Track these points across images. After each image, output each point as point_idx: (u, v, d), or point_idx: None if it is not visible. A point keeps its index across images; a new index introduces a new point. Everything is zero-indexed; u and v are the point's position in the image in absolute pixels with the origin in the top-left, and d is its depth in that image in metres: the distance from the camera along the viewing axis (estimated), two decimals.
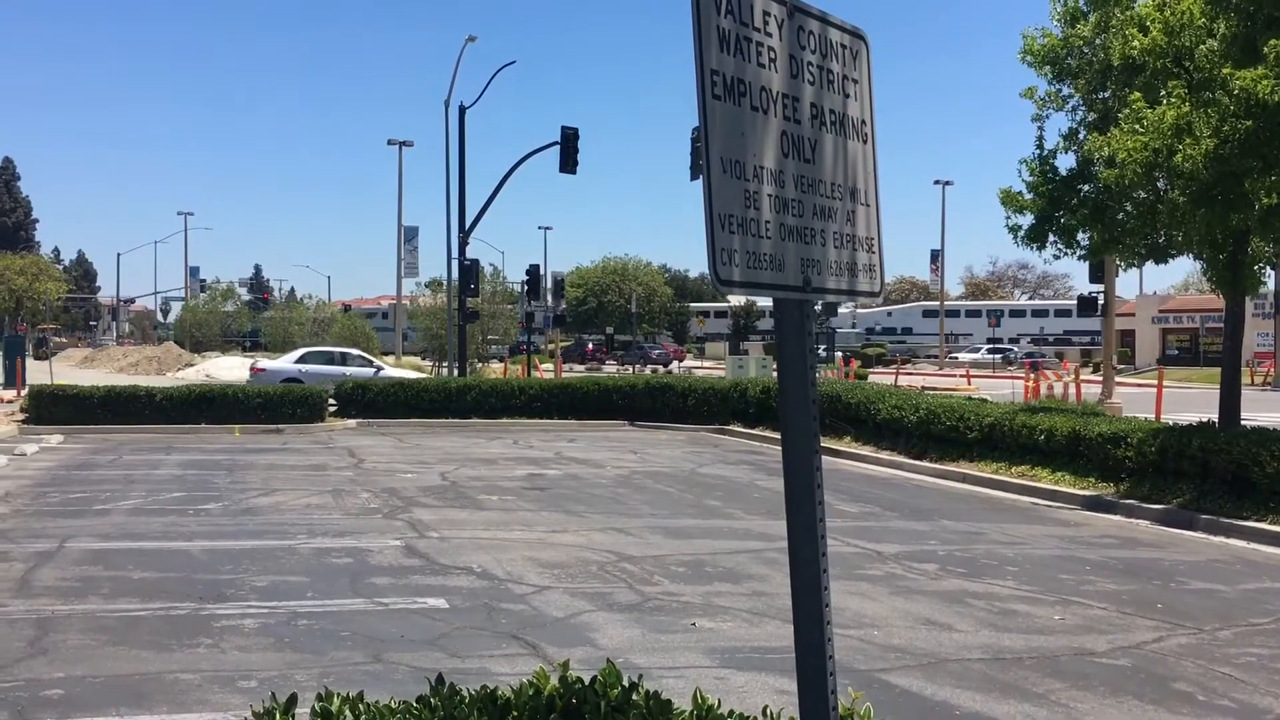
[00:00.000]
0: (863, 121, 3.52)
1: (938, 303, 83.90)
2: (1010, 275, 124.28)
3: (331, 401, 27.59)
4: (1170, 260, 16.78)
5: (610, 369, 66.26)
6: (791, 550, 3.15)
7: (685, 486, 16.84)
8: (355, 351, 37.28)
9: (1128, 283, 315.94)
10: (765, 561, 10.93)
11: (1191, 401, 34.75)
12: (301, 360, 34.79)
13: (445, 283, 43.30)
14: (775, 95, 3.11)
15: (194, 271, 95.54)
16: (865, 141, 3.52)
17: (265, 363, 35.88)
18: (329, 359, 35.06)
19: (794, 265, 3.15)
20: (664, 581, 9.97)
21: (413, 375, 34.16)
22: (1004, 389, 37.96)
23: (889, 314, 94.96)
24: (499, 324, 51.72)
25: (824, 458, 20.52)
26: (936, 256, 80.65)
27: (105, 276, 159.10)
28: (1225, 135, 13.77)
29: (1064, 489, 15.91)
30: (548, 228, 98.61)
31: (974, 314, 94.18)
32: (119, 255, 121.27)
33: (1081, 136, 16.94)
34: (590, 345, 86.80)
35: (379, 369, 34.29)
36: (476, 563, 10.68)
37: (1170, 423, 17.08)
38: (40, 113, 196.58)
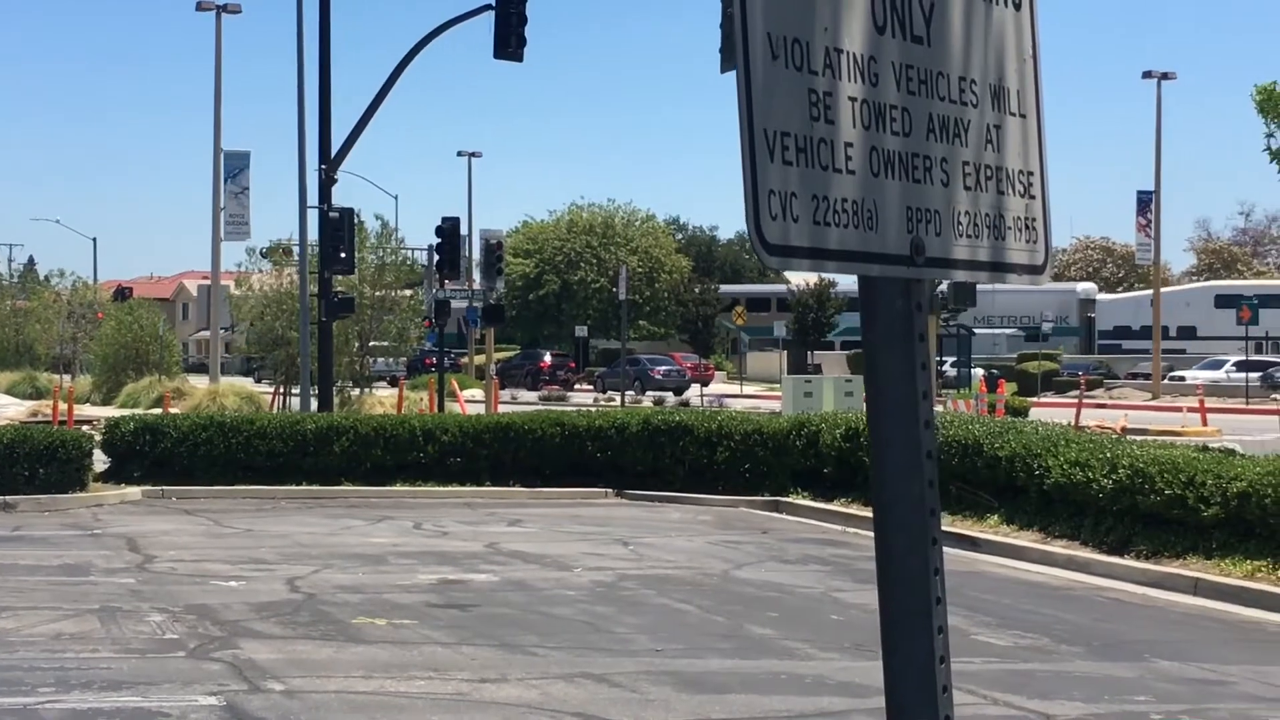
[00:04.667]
0: None
1: (1147, 289, 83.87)
2: (1275, 236, 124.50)
3: (100, 456, 27.52)
4: None
5: (583, 398, 66.18)
6: (891, 716, 3.15)
7: (713, 602, 16.81)
8: None
9: None
10: None
11: None
12: None
13: (297, 250, 43.29)
14: None
15: None
16: (1018, 6, 3.51)
17: None
18: None
19: (895, 219, 3.16)
20: None
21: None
22: (1265, 431, 37.89)
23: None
24: (390, 320, 51.58)
25: (956, 551, 20.01)
26: (1147, 203, 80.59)
27: None
28: None
29: None
30: (474, 154, 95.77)
31: (1212, 300, 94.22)
32: None
33: None
34: (548, 357, 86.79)
35: None
36: None
37: None
38: None
